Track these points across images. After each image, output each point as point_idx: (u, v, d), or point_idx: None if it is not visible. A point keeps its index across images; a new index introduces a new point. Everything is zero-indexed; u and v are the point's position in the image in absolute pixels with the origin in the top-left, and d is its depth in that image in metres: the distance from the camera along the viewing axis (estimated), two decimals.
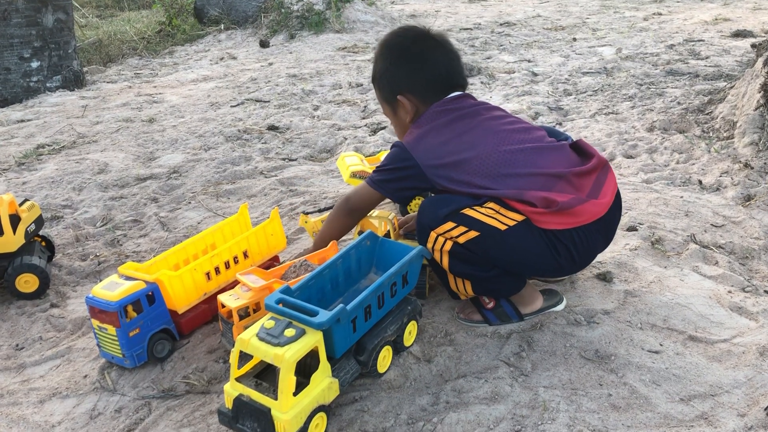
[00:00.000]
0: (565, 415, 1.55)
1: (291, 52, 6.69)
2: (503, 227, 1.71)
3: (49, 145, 4.04)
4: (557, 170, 1.76)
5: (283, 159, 3.58)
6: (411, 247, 1.88)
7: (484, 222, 1.71)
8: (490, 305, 1.92)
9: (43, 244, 2.52)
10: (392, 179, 1.89)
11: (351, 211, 2.01)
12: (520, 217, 1.72)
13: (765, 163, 2.79)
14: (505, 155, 1.77)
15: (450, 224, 1.74)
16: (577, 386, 1.65)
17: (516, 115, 1.97)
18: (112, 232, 2.82)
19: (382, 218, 2.14)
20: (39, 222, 2.44)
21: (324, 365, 1.55)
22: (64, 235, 2.79)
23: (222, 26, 8.07)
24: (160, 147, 3.90)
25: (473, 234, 1.72)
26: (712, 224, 2.46)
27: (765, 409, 1.50)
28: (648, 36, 6.38)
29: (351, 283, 1.89)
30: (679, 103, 3.85)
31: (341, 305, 1.54)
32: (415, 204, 2.63)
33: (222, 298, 1.86)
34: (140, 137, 4.12)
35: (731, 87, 3.58)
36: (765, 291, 2.05)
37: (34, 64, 5.38)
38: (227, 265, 2.10)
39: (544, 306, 1.94)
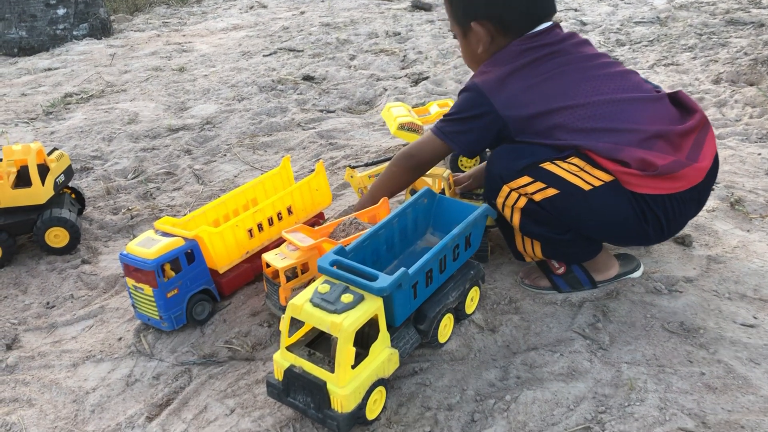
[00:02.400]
0: (655, 396, 1.38)
1: (323, 1, 6.42)
2: (587, 187, 1.50)
3: (77, 94, 3.88)
4: (658, 127, 1.52)
5: (321, 111, 3.38)
6: (473, 205, 1.70)
7: (566, 179, 1.50)
8: (561, 270, 1.74)
9: (73, 196, 2.38)
10: (465, 130, 1.65)
11: (413, 167, 1.79)
12: (607, 177, 1.50)
13: None
14: (601, 107, 1.52)
15: (526, 179, 1.54)
16: (664, 363, 1.48)
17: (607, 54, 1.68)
18: (144, 184, 2.67)
19: (437, 176, 1.95)
20: (68, 173, 2.29)
21: (384, 335, 1.39)
22: (94, 188, 2.65)
23: None
24: (192, 97, 3.73)
25: (552, 192, 1.52)
26: None
27: None
28: None
29: (406, 245, 1.72)
30: (746, 53, 3.57)
31: (403, 269, 1.38)
32: (468, 161, 2.44)
33: (267, 257, 1.71)
34: (170, 87, 3.95)
35: None
36: None
37: (61, 12, 5.21)
38: (270, 222, 1.94)
39: (620, 272, 1.76)
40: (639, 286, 1.73)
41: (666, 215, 1.53)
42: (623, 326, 1.61)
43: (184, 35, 5.41)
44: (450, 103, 2.50)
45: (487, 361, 1.53)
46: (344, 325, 1.27)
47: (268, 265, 1.72)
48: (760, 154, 2.44)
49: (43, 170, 2.16)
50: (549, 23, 1.64)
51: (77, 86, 4.04)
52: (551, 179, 1.51)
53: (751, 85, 3.13)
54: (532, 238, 1.65)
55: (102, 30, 5.47)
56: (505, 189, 1.58)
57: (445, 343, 1.59)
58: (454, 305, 1.58)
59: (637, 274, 1.77)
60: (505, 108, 1.58)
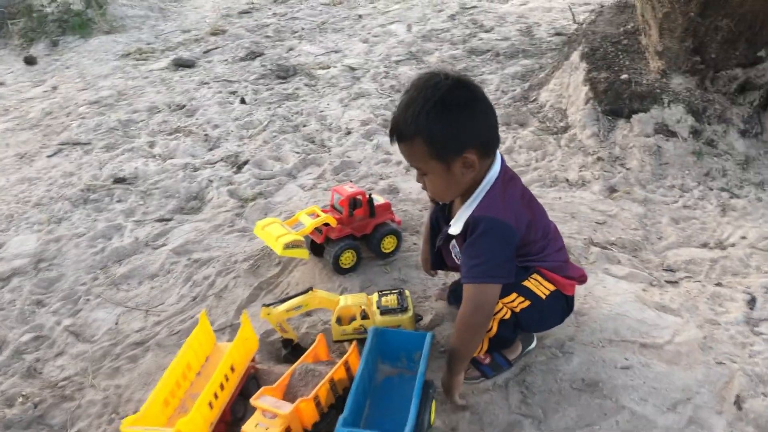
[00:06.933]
0: None
1: (68, 68, 6.03)
2: (543, 296, 2.00)
3: None
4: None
5: (158, 221, 3.37)
6: (416, 333, 2.03)
7: (534, 292, 1.99)
8: (487, 360, 2.14)
9: None
10: (511, 266, 1.88)
11: (487, 320, 1.92)
12: (552, 287, 2.01)
13: (610, 153, 3.29)
14: (548, 232, 2.02)
15: (514, 295, 1.97)
16: (590, 421, 1.94)
17: None
18: (19, 359, 2.51)
19: (360, 305, 2.23)
20: None
21: None
22: None
23: None
24: None
25: (527, 303, 1.99)
26: (596, 222, 2.90)
27: (734, 403, 1.94)
28: (422, 3, 6.77)
29: (371, 382, 1.98)
30: (503, 92, 4.27)
31: None
32: (346, 258, 2.71)
33: (248, 430, 1.85)
34: None
35: (550, 75, 4.06)
36: (666, 281, 2.53)
37: None
38: (221, 387, 2.05)
39: (523, 347, 2.21)
40: (541, 355, 2.19)
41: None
42: (545, 394, 2.05)
43: None
44: (317, 211, 2.73)
45: None
46: None
47: None
48: (560, 198, 3.08)
49: None
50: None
51: None
52: (528, 294, 1.98)
53: (522, 126, 3.80)
54: (500, 339, 2.05)
55: None
56: (500, 304, 1.97)
57: None
58: (426, 427, 1.90)
59: (533, 345, 2.24)
60: (520, 233, 1.88)
